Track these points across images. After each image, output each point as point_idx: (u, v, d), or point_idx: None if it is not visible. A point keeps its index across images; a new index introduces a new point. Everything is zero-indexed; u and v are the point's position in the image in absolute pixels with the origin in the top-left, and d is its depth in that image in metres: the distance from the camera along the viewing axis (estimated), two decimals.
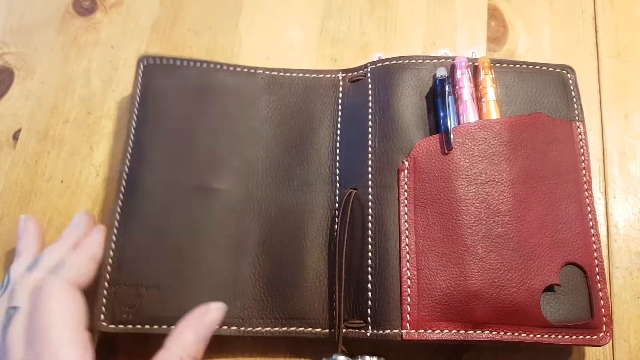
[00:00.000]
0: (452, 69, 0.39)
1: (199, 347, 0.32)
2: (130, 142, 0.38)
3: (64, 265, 0.33)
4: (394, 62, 0.40)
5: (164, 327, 0.34)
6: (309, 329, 0.35)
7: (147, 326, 0.34)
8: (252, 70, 0.42)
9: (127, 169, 0.38)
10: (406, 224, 0.35)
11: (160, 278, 0.35)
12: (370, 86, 0.40)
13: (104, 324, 0.34)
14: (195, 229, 0.37)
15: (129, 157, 0.38)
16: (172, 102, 0.40)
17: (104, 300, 0.34)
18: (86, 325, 0.32)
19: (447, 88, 0.37)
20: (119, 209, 0.36)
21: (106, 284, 0.34)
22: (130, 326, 0.34)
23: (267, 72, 0.42)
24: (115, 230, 0.36)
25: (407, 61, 0.40)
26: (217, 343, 0.34)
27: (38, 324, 0.30)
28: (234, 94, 0.41)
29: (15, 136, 0.44)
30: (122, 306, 0.34)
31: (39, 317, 0.30)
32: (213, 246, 0.37)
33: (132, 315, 0.34)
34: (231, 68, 0.42)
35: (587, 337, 0.33)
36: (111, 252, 0.35)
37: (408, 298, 0.33)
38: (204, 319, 0.33)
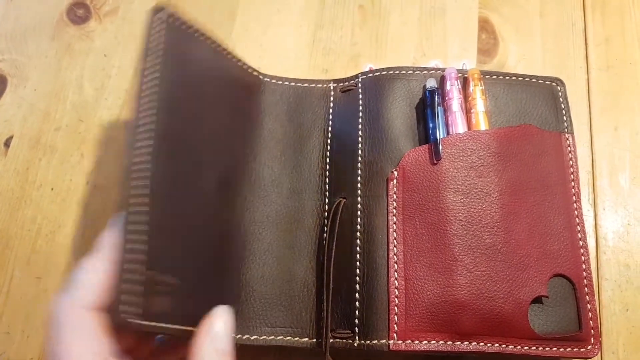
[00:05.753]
0: (442, 80, 0.39)
1: None
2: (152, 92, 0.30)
3: (73, 281, 0.26)
4: (385, 72, 0.40)
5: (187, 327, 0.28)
6: (297, 339, 0.35)
7: (179, 326, 0.27)
8: (250, 70, 0.41)
9: (157, 120, 0.29)
10: (394, 233, 0.35)
11: (184, 268, 0.29)
12: (360, 96, 0.40)
13: (136, 320, 0.25)
14: (205, 226, 0.33)
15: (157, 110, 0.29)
16: (185, 77, 0.33)
17: (139, 288, 0.25)
18: (107, 353, 0.25)
19: (436, 99, 0.37)
20: (150, 166, 0.28)
21: (142, 267, 0.26)
22: (163, 324, 0.27)
23: (261, 77, 0.42)
24: (148, 200, 0.27)
25: (397, 72, 0.40)
26: None
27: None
28: (231, 89, 0.38)
29: (7, 143, 0.44)
30: (156, 298, 0.26)
31: (51, 353, 0.25)
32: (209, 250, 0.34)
33: (167, 309, 0.27)
34: (239, 63, 0.39)
35: (575, 349, 0.33)
36: (145, 227, 0.27)
37: (395, 308, 0.33)
38: (214, 334, 0.27)
